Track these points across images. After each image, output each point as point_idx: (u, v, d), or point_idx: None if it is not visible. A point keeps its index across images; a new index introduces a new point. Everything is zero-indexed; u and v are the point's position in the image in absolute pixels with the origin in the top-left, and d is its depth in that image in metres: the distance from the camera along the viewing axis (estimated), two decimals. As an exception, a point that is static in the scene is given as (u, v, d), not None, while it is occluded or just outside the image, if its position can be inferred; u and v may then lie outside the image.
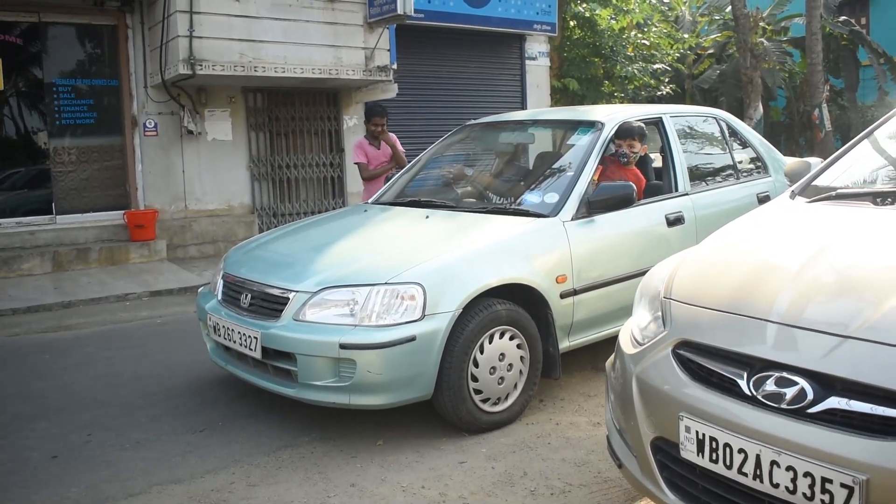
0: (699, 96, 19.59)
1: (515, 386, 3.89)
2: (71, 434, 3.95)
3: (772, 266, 2.51)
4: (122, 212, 9.18)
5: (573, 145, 4.63)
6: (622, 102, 15.67)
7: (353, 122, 10.85)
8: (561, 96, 14.90)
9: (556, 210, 4.16)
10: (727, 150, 5.45)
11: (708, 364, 2.30)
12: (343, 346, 3.43)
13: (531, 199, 4.34)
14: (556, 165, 4.66)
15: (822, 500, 1.92)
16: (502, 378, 3.81)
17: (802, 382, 2.04)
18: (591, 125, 4.68)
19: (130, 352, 5.56)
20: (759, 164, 5.62)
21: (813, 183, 3.23)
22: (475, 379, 3.69)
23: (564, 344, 4.15)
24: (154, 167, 9.36)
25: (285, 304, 3.69)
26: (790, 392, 2.05)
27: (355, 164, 7.05)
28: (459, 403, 3.65)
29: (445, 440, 3.71)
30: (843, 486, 1.88)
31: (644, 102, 16.22)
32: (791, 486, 1.98)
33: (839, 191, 3.01)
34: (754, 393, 2.12)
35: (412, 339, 3.46)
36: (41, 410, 4.31)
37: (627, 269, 4.38)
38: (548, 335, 4.01)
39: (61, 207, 9.06)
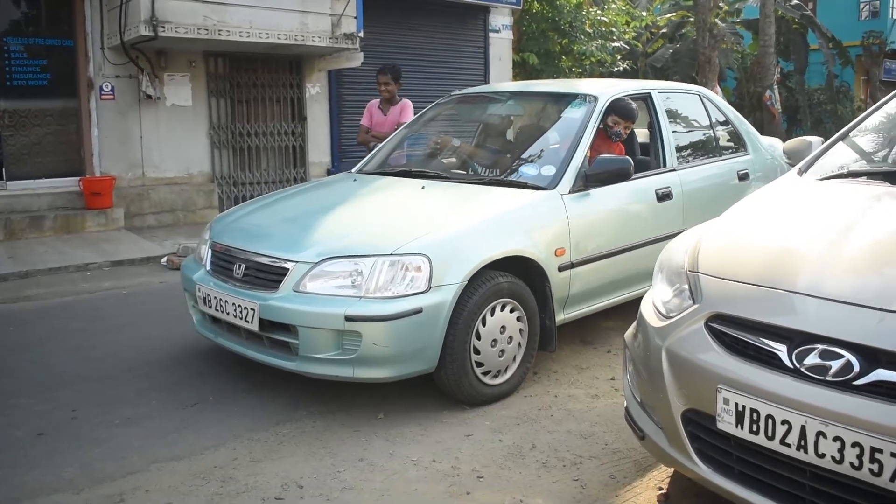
0: (651, 74, 19.79)
1: (514, 359, 3.88)
2: (55, 411, 3.78)
3: (804, 241, 2.53)
4: (78, 178, 8.80)
5: (566, 118, 4.60)
6: (579, 77, 15.72)
7: (315, 91, 10.63)
8: (519, 70, 14.85)
9: (553, 183, 4.14)
10: (710, 127, 5.51)
11: (744, 337, 2.31)
12: (349, 318, 3.36)
13: (528, 171, 4.31)
14: (550, 138, 4.62)
15: (871, 469, 1.95)
16: (503, 351, 3.79)
17: (848, 355, 2.06)
18: (584, 98, 4.65)
19: (101, 324, 5.37)
20: (738, 141, 5.69)
21: (818, 161, 3.28)
22: (477, 351, 3.67)
23: (560, 317, 4.16)
24: (111, 132, 8.99)
25: (284, 274, 3.59)
26: (836, 365, 2.07)
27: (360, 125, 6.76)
28: (462, 376, 3.62)
29: (446, 413, 3.68)
30: (893, 455, 1.91)
31: (600, 78, 16.29)
32: (838, 456, 2.00)
33: (851, 169, 3.05)
34: (797, 365, 2.14)
35: (419, 311, 3.41)
36: (19, 386, 4.12)
37: (620, 243, 4.41)
38: (545, 308, 4.01)
39: (12, 173, 8.64)
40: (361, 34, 9.81)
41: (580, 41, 15.54)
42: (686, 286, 2.63)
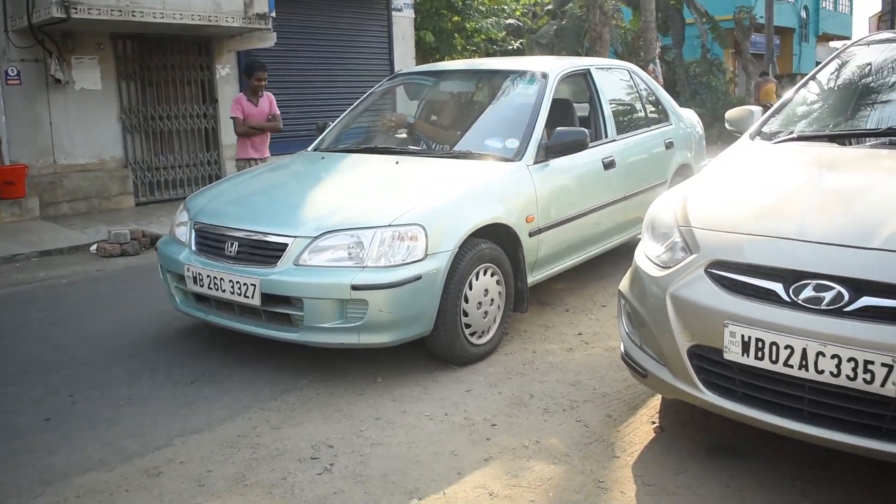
0: (538, 50, 20.42)
1: (495, 320, 4.17)
2: (50, 396, 3.78)
3: (783, 194, 2.95)
4: (-14, 168, 8.43)
5: (521, 94, 4.90)
6: (475, 56, 16.12)
7: (225, 72, 10.50)
8: (416, 49, 15.08)
9: (519, 154, 4.44)
10: (639, 100, 5.95)
11: (742, 279, 2.69)
12: (355, 287, 3.55)
13: (493, 144, 4.57)
14: (508, 113, 4.91)
15: (864, 379, 2.36)
16: (486, 312, 4.07)
17: (838, 287, 2.47)
18: (534, 75, 4.97)
19: (55, 313, 5.28)
20: (662, 112, 6.17)
21: (763, 128, 3.73)
22: (465, 314, 3.94)
23: (529, 279, 4.47)
24: (18, 119, 8.62)
25: (282, 250, 3.73)
26: (829, 296, 2.47)
27: (231, 118, 7.04)
28: (454, 337, 3.88)
29: (439, 373, 3.93)
30: (883, 365, 2.33)
31: (498, 56, 16.78)
32: (835, 371, 2.41)
33: (800, 133, 3.51)
34: (794, 299, 2.53)
35: (419, 277, 3.64)
36: (-2, 375, 4.08)
37: (576, 209, 4.77)
38: (517, 271, 4.32)
39: (-90, 165, 8.18)
40: (274, 14, 9.76)
41: (473, 19, 15.93)
42: (679, 240, 2.98)
